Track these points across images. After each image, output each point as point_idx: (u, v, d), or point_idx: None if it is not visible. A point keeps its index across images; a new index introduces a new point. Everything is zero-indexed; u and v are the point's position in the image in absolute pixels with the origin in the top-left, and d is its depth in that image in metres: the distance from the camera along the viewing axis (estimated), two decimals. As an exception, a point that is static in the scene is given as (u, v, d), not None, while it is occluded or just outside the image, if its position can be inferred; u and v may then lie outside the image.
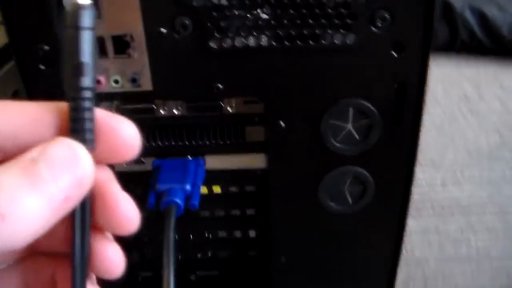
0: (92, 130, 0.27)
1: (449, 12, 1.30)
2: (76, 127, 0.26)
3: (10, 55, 0.50)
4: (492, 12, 1.28)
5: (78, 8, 0.26)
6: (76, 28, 0.26)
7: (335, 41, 0.47)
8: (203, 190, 0.56)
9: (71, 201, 0.24)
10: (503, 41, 1.29)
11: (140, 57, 0.49)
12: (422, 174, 0.97)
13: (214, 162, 0.56)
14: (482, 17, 1.28)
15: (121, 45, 0.49)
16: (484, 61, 1.30)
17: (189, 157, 0.55)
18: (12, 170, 0.23)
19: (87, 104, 0.26)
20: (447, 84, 1.21)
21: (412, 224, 0.66)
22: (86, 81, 0.26)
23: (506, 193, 0.94)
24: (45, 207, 0.23)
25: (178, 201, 0.50)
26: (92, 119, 0.27)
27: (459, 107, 1.16)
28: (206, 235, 0.62)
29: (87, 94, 0.27)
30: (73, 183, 0.24)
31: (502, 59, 1.29)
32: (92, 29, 0.27)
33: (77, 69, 0.26)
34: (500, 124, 1.10)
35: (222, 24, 0.47)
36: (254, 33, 0.47)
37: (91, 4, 0.26)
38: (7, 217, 0.21)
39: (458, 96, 1.19)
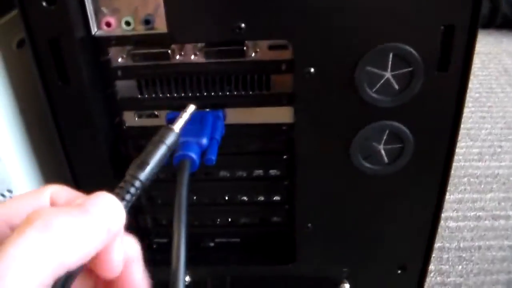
0: (127, 207, 0.33)
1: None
2: (119, 192, 0.34)
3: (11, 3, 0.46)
4: None
5: (169, 130, 0.40)
6: (160, 141, 0.39)
7: None
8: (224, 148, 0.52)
9: (111, 232, 0.30)
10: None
11: None
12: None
13: (235, 115, 0.53)
14: None
15: None
16: None
17: (207, 109, 0.52)
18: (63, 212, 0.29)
19: (132, 190, 0.34)
20: (484, 57, 1.17)
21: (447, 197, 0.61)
22: (142, 175, 0.36)
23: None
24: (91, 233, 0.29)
25: (193, 155, 0.46)
26: (129, 202, 0.34)
27: (498, 80, 1.11)
28: (226, 198, 0.59)
29: (137, 183, 0.35)
30: (112, 217, 0.31)
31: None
32: (169, 147, 0.40)
33: (142, 164, 0.36)
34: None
35: None
36: None
37: (178, 133, 0.41)
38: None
39: (497, 70, 1.14)
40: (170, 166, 0.46)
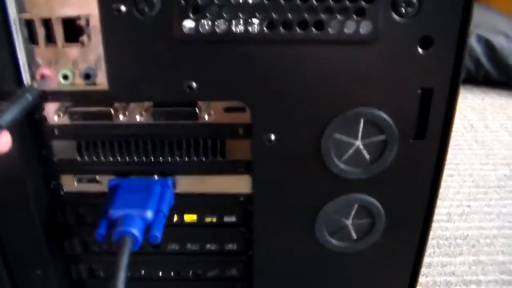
0: None
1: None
2: None
3: None
4: (499, 42, 1.28)
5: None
6: None
7: (346, 30, 0.39)
8: (173, 218, 0.50)
9: None
10: (510, 72, 1.28)
11: (96, 46, 0.41)
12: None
13: (186, 184, 0.49)
14: (489, 47, 1.28)
15: (74, 30, 0.41)
16: (491, 92, 1.30)
17: (154, 176, 0.48)
18: None
19: None
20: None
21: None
22: None
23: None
24: None
25: (135, 231, 0.42)
26: None
27: (464, 136, 1.14)
28: (176, 273, 0.54)
29: None
30: None
31: (509, 90, 1.30)
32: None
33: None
34: (509, 155, 1.07)
35: (200, 1, 0.39)
36: (241, 16, 0.39)
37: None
38: None
39: (463, 126, 1.18)
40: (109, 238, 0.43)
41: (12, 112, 0.37)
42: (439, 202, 0.78)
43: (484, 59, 1.26)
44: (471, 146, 1.08)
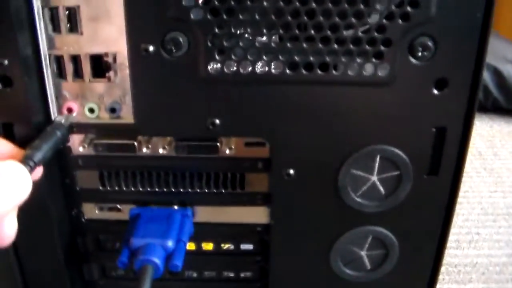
0: None
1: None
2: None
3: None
4: (508, 70, 1.27)
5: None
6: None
7: (364, 72, 0.40)
8: (191, 246, 0.50)
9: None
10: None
11: (122, 82, 0.42)
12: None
13: (205, 214, 0.49)
14: (497, 75, 1.27)
15: (101, 66, 0.42)
16: (499, 119, 1.28)
17: (175, 207, 0.48)
18: None
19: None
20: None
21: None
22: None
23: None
24: None
25: (156, 260, 0.43)
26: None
27: (472, 164, 1.12)
28: None
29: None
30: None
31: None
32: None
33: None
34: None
35: (226, 44, 0.40)
36: (264, 58, 0.40)
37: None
38: None
39: (471, 153, 1.14)
40: (131, 265, 0.44)
41: (44, 150, 0.39)
42: (448, 237, 0.77)
43: (492, 87, 1.25)
44: (479, 174, 1.07)
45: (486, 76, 1.26)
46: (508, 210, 0.97)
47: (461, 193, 1.01)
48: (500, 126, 1.24)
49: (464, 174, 1.05)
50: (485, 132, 1.21)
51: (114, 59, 0.41)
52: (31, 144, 0.39)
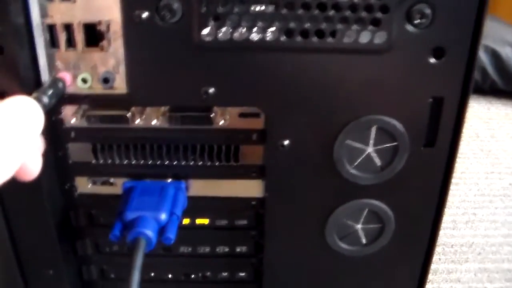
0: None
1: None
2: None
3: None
4: (506, 52, 1.27)
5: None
6: None
7: (360, 39, 0.40)
8: (185, 221, 0.50)
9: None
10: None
11: (115, 51, 0.42)
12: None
13: (199, 188, 0.49)
14: (495, 57, 1.27)
15: (94, 35, 0.41)
16: (497, 102, 1.29)
17: (168, 179, 0.48)
18: None
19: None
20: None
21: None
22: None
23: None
24: None
25: (149, 233, 0.43)
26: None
27: (470, 145, 1.13)
28: (187, 275, 0.54)
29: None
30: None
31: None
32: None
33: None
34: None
35: (220, 10, 0.39)
36: (259, 24, 0.40)
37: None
38: None
39: (469, 135, 1.17)
40: (123, 239, 0.44)
41: (49, 96, 0.39)
42: (445, 210, 0.78)
43: (490, 69, 1.26)
44: (476, 155, 1.08)
45: (484, 58, 1.26)
46: (504, 191, 0.97)
47: (458, 174, 1.02)
48: (498, 108, 1.25)
49: (461, 156, 1.07)
50: (483, 114, 1.22)
51: (108, 27, 0.40)
52: (38, 89, 0.39)
